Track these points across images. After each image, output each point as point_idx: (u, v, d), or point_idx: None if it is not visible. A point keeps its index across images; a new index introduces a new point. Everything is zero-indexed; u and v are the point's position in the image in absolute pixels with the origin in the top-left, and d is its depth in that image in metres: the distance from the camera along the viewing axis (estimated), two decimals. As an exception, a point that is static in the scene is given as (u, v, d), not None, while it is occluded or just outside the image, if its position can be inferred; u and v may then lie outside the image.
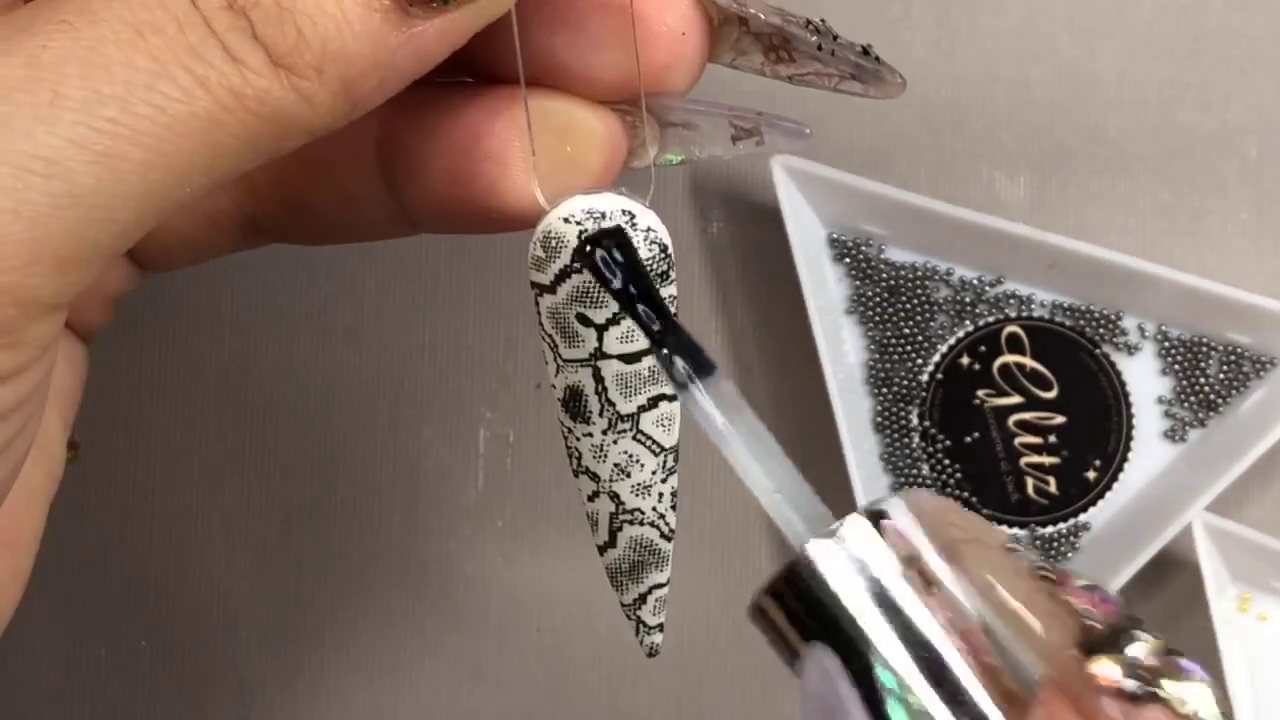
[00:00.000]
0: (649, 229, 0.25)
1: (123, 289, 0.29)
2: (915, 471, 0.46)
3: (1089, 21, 0.46)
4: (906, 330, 0.46)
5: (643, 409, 0.25)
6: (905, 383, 0.46)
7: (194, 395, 0.48)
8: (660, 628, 0.27)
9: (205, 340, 0.48)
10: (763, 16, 0.26)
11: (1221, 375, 0.46)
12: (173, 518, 0.48)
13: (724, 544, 0.47)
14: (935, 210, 0.44)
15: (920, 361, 0.46)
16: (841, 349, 0.46)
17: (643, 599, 0.27)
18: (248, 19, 0.21)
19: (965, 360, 0.46)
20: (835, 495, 0.45)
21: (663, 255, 0.25)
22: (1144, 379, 0.46)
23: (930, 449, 0.46)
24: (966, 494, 0.46)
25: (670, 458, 0.26)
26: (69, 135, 0.20)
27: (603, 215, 0.24)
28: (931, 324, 0.46)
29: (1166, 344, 0.46)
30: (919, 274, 0.46)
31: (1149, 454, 0.46)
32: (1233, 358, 0.45)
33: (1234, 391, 0.45)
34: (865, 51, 0.26)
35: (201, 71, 0.21)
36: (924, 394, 0.46)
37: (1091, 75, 0.46)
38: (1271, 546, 0.44)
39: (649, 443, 0.25)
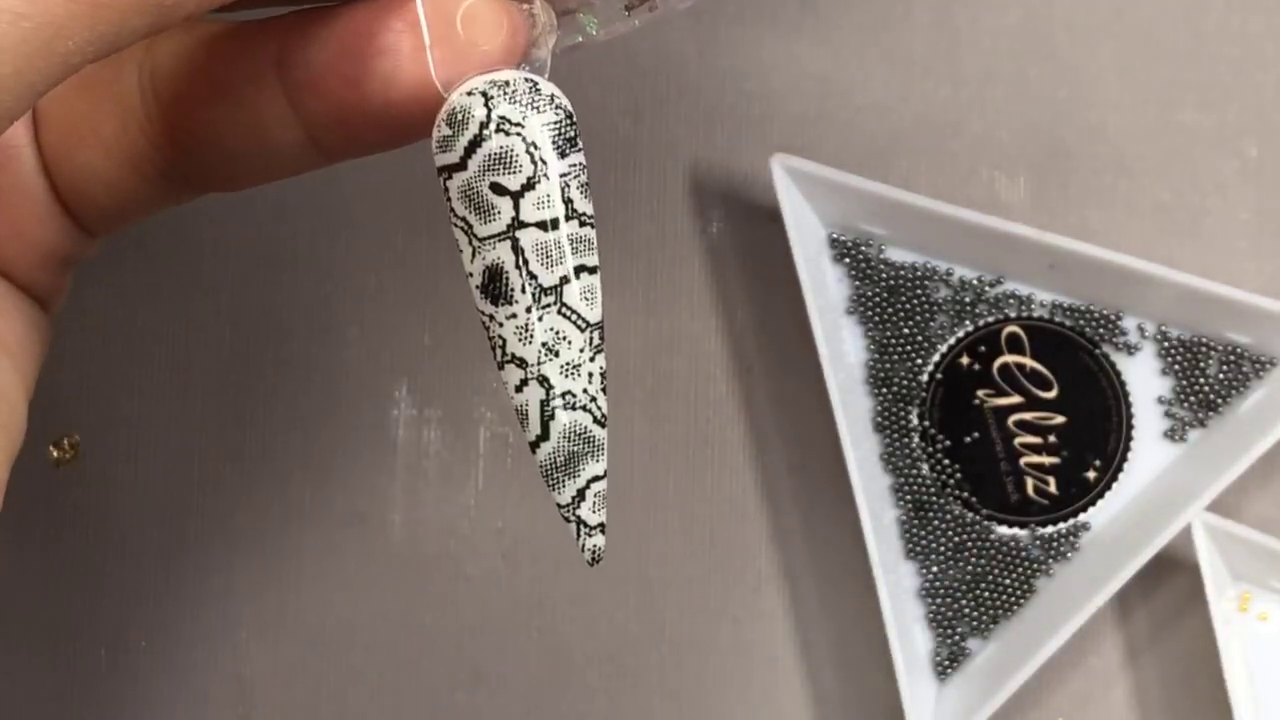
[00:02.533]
0: (553, 95, 0.25)
1: (69, 250, 0.28)
2: (915, 471, 0.46)
3: (1089, 21, 0.46)
4: (906, 330, 0.46)
5: (565, 280, 0.25)
6: (905, 383, 0.46)
7: (194, 395, 0.48)
8: (602, 528, 0.26)
9: (205, 340, 0.48)
10: None
11: (1221, 375, 0.46)
12: (173, 518, 0.48)
13: (724, 544, 0.47)
14: (935, 210, 0.44)
15: (920, 361, 0.46)
16: (841, 349, 0.46)
17: (581, 495, 0.26)
18: None
19: (965, 360, 0.46)
20: (835, 495, 0.46)
21: (569, 121, 0.25)
22: (1144, 379, 0.46)
23: (930, 449, 0.46)
24: (966, 494, 0.46)
25: (596, 334, 0.25)
26: None
27: (506, 84, 0.24)
28: (931, 324, 0.46)
29: (1166, 344, 0.46)
30: (919, 274, 0.46)
31: (1149, 454, 0.46)
32: (1233, 358, 0.45)
33: (1234, 391, 0.45)
34: None
35: None
36: (924, 394, 0.46)
37: (1091, 75, 0.46)
38: (1271, 546, 0.44)
39: (574, 317, 0.25)
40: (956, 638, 0.46)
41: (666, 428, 0.47)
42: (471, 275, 0.25)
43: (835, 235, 0.46)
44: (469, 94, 0.24)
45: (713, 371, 0.47)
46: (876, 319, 0.46)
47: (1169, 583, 0.46)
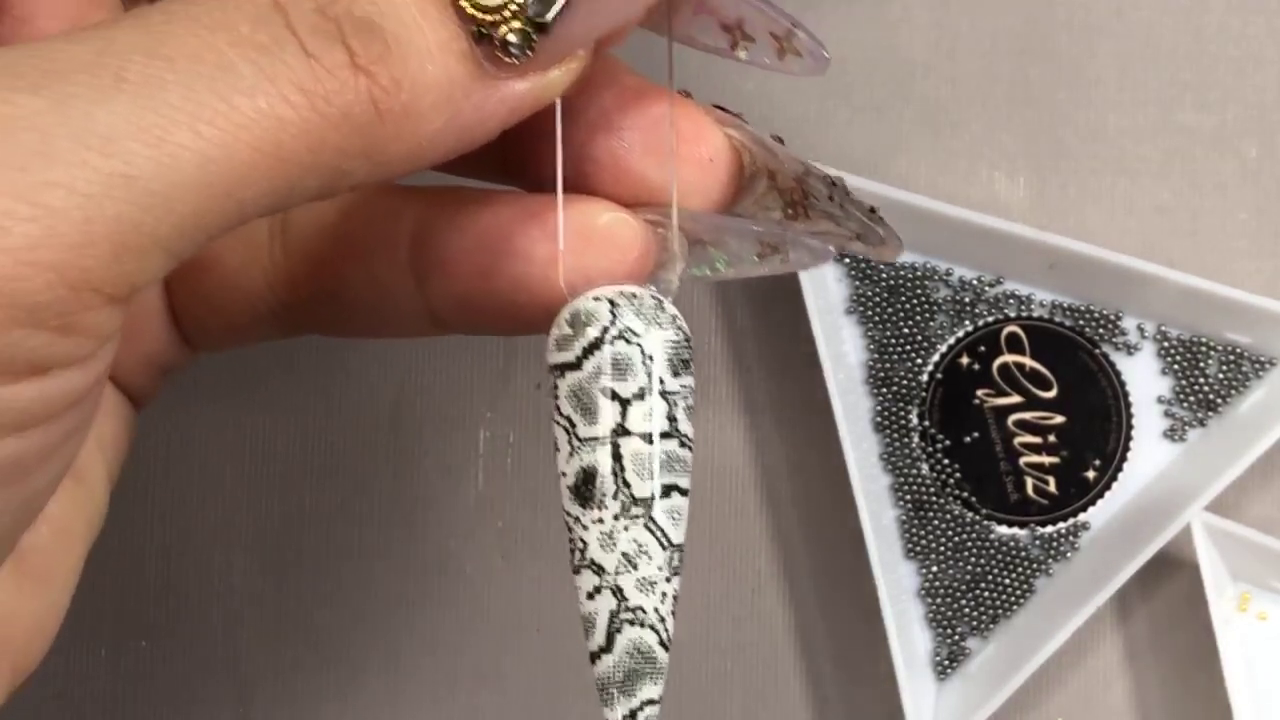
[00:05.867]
0: (675, 316, 0.25)
1: (171, 361, 0.29)
2: (915, 471, 0.46)
3: (1089, 21, 0.46)
4: (906, 330, 0.46)
5: (656, 496, 0.25)
6: (905, 382, 0.46)
7: (194, 396, 0.48)
8: None
9: (205, 340, 0.48)
10: (788, 167, 0.26)
11: (1221, 375, 0.46)
12: (173, 518, 0.48)
13: (724, 544, 0.47)
14: (935, 210, 0.44)
15: (920, 361, 0.46)
16: (841, 349, 0.46)
17: (633, 716, 0.26)
18: (338, 24, 0.21)
19: (965, 360, 0.46)
20: (835, 495, 0.46)
21: (686, 344, 0.25)
22: (1144, 379, 0.46)
23: (930, 449, 0.46)
24: (966, 493, 0.46)
25: (676, 556, 0.25)
26: (127, 115, 0.20)
27: (634, 296, 0.25)
28: (931, 324, 0.46)
29: (1166, 344, 0.46)
30: (919, 274, 0.46)
31: (1148, 454, 0.46)
32: (1232, 358, 0.45)
33: (1234, 391, 0.45)
34: (873, 211, 0.26)
35: (270, 66, 0.21)
36: (924, 394, 0.46)
37: (1091, 75, 0.46)
38: (1271, 546, 0.44)
39: (659, 533, 0.25)
40: (956, 638, 0.46)
41: (666, 428, 0.47)
42: (565, 475, 0.25)
43: (835, 235, 0.46)
44: (596, 299, 0.25)
45: (713, 371, 0.47)
46: (876, 319, 0.46)
47: (1169, 583, 0.46)
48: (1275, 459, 0.45)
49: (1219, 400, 0.46)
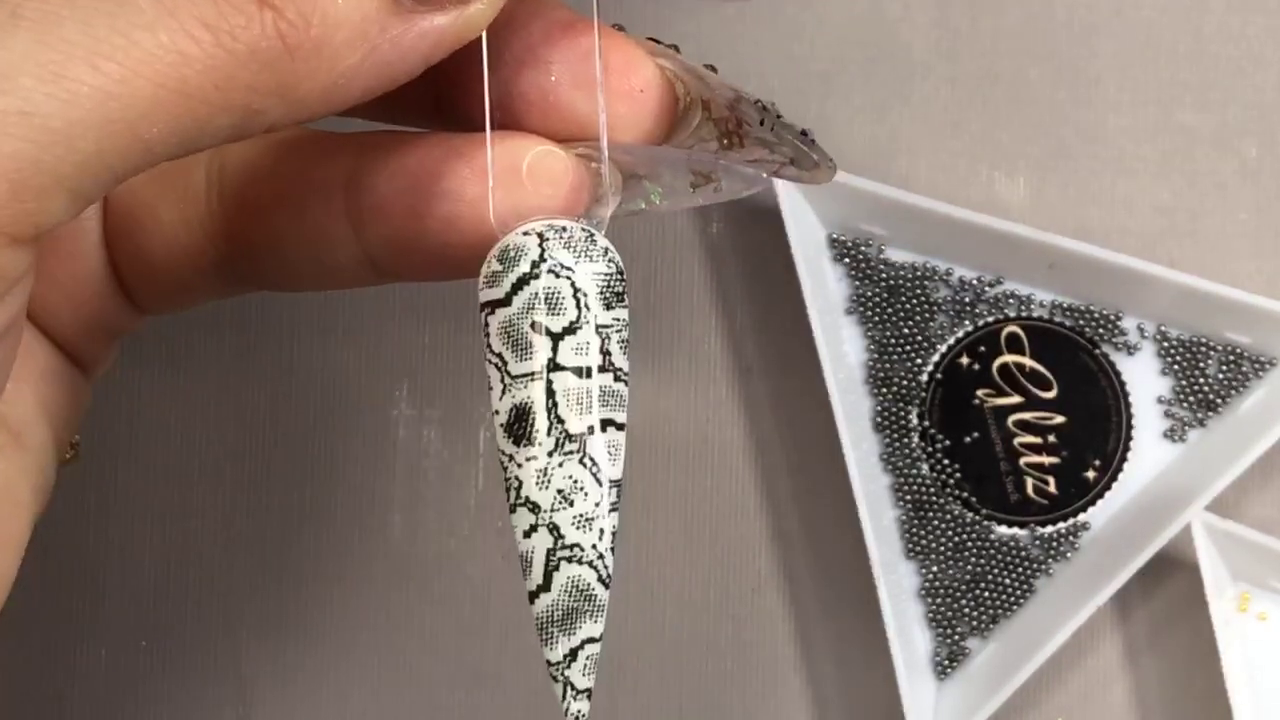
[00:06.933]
0: (607, 248, 0.25)
1: (118, 324, 0.29)
2: (915, 471, 0.46)
3: (1089, 21, 0.46)
4: (906, 330, 0.46)
5: (591, 430, 0.24)
6: (905, 383, 0.46)
7: (194, 395, 0.48)
8: (589, 693, 0.26)
9: (205, 340, 0.48)
10: (720, 94, 0.26)
11: (1221, 375, 0.46)
12: (173, 518, 0.48)
13: (724, 544, 0.47)
14: (935, 210, 0.44)
15: (920, 361, 0.46)
16: (841, 349, 0.46)
17: (573, 655, 0.26)
18: None
19: (965, 360, 0.46)
20: (835, 495, 0.46)
21: (619, 276, 0.25)
22: (1143, 379, 0.46)
23: (930, 449, 0.46)
24: (966, 494, 0.46)
25: (614, 492, 0.25)
26: (23, 52, 0.20)
27: (563, 229, 0.24)
28: (931, 324, 0.46)
29: (1166, 344, 0.46)
30: (919, 274, 0.46)
31: (1149, 454, 0.46)
32: (1232, 358, 0.45)
33: (1234, 391, 0.45)
34: (804, 134, 0.26)
35: (170, 2, 0.21)
36: (924, 394, 0.46)
37: (1091, 75, 0.46)
38: (1271, 546, 0.44)
39: (595, 469, 0.24)
40: (956, 637, 0.46)
41: (666, 428, 0.47)
42: (498, 413, 0.25)
43: (835, 235, 0.46)
44: (525, 234, 0.24)
45: (713, 371, 0.47)
46: (876, 319, 0.46)
47: (1169, 583, 0.46)
48: (1275, 459, 0.45)
49: (1219, 400, 0.46)
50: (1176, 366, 0.46)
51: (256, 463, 0.48)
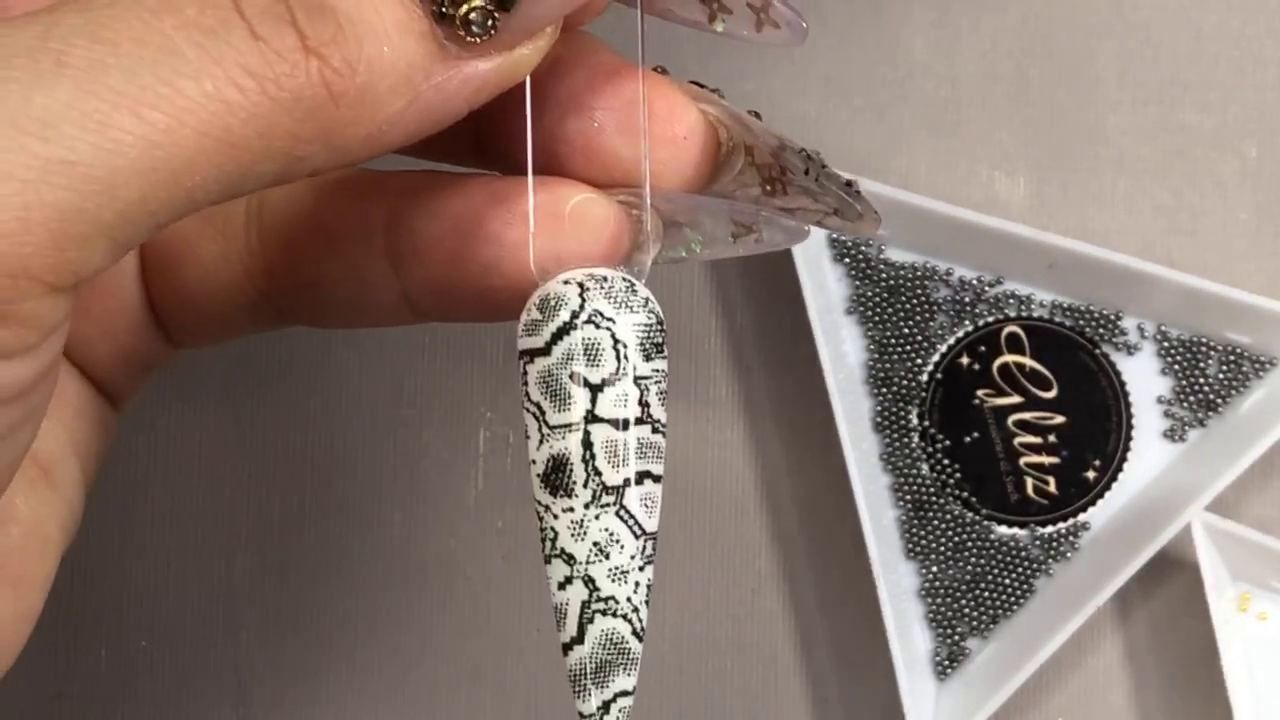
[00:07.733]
0: (648, 299, 0.25)
1: (150, 358, 0.29)
2: (915, 471, 0.46)
3: (1089, 21, 0.46)
4: (906, 330, 0.46)
5: (629, 483, 0.24)
6: (905, 382, 0.46)
7: (194, 395, 0.48)
8: None
9: (205, 340, 0.48)
10: (764, 141, 0.26)
11: (1221, 375, 0.46)
12: (173, 518, 0.48)
13: (724, 544, 0.47)
14: (935, 210, 0.44)
15: (920, 361, 0.46)
16: (841, 349, 0.46)
17: (605, 708, 0.25)
18: (288, 6, 0.21)
19: (965, 360, 0.46)
20: (835, 495, 0.46)
21: (659, 327, 0.25)
22: (1143, 379, 0.46)
23: (930, 449, 0.46)
24: (966, 494, 0.46)
25: (650, 544, 0.25)
26: (67, 100, 0.20)
27: (604, 279, 0.24)
28: (931, 324, 0.46)
29: (1166, 344, 0.46)
30: (919, 274, 0.46)
31: (1149, 454, 0.46)
32: (1232, 358, 0.45)
33: (1234, 391, 0.45)
34: (849, 184, 0.26)
35: (215, 49, 0.20)
36: (923, 394, 0.46)
37: (1091, 75, 0.46)
38: (1271, 546, 0.44)
39: (631, 522, 0.24)
40: (956, 637, 0.46)
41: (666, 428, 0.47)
42: (535, 463, 0.24)
43: (835, 235, 0.46)
44: (565, 283, 0.24)
45: (713, 371, 0.47)
46: (876, 319, 0.46)
47: (1169, 583, 0.46)
48: (1275, 459, 0.45)
49: (1219, 400, 0.46)
50: (1176, 366, 0.46)
51: (256, 463, 0.48)
